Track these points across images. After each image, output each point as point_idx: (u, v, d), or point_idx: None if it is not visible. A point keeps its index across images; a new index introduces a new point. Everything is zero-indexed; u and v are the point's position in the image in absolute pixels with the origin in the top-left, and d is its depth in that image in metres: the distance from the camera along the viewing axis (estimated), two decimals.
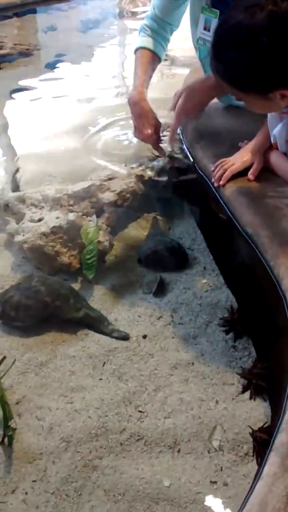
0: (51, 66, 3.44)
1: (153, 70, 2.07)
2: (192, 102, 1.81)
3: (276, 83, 1.27)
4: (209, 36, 1.75)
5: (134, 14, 4.78)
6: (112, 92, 3.08)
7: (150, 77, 2.05)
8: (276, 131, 1.56)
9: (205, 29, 1.79)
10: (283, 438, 0.97)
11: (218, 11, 1.73)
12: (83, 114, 2.81)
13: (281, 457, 0.94)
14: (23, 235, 1.75)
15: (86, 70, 3.44)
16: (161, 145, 2.06)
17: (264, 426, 1.21)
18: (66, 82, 3.23)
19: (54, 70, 3.40)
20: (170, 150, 2.10)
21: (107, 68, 3.49)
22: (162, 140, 2.05)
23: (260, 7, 1.18)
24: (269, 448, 0.97)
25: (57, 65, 3.47)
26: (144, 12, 4.70)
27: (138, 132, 2.02)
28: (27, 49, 3.70)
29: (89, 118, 2.73)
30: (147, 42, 2.01)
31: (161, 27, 2.01)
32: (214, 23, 1.73)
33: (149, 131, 1.97)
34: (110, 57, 3.74)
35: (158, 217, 2.00)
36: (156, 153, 2.10)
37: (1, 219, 1.92)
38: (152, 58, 2.03)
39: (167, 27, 2.02)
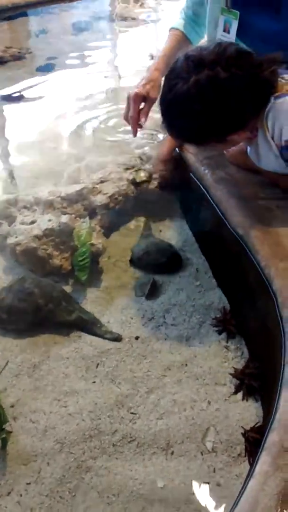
0: (42, 70, 3.43)
1: (181, 50, 1.92)
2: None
3: (227, 132, 1.41)
4: (229, 38, 1.74)
5: (125, 18, 4.78)
6: (104, 92, 3.08)
7: (174, 57, 1.82)
8: (249, 153, 1.61)
9: (224, 30, 1.75)
10: (274, 437, 0.98)
11: (238, 12, 1.70)
12: (75, 115, 2.81)
13: (272, 456, 0.95)
14: (16, 237, 1.75)
15: (78, 72, 3.44)
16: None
17: (256, 426, 1.22)
18: (58, 85, 3.23)
19: (46, 73, 3.39)
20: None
21: (99, 69, 3.48)
22: (143, 119, 1.84)
23: (186, 79, 1.32)
24: (261, 447, 0.97)
25: (49, 69, 3.47)
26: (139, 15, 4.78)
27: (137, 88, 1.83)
28: (19, 53, 3.69)
29: (82, 120, 2.74)
30: (180, 24, 1.98)
31: (195, 15, 1.96)
32: (234, 25, 1.71)
33: (138, 91, 1.79)
34: (102, 60, 3.74)
35: (150, 219, 2.00)
36: None
37: None
38: (181, 40, 1.97)
39: (201, 16, 1.94)
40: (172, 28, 1.99)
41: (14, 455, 1.26)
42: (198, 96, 1.32)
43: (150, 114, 1.85)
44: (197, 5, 1.94)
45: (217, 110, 1.33)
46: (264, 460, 0.93)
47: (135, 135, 1.88)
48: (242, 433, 1.24)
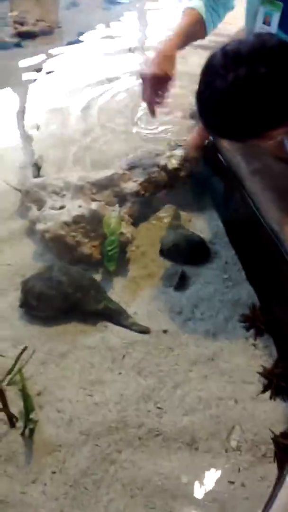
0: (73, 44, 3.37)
1: (195, 33, 1.83)
2: None
3: (265, 129, 1.33)
4: (269, 31, 1.62)
5: None
6: (132, 70, 3.00)
7: (189, 37, 1.80)
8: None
9: (264, 23, 1.63)
10: None
11: (282, 4, 1.57)
12: (104, 95, 2.75)
13: None
14: (45, 223, 1.73)
15: (107, 48, 3.36)
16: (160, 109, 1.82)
17: (286, 431, 1.20)
18: (86, 62, 3.16)
19: (76, 47, 3.33)
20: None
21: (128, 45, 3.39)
22: (163, 99, 1.77)
23: (224, 76, 1.25)
24: None
25: (79, 43, 3.40)
26: None
27: (145, 68, 1.73)
28: (49, 26, 3.61)
29: (110, 99, 2.69)
30: (199, 6, 1.81)
31: (214, 1, 1.83)
32: (276, 17, 1.60)
33: (155, 70, 1.69)
34: (132, 34, 3.65)
35: (180, 208, 1.97)
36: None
37: (22, 205, 1.91)
38: (198, 21, 1.81)
39: (219, 3, 1.84)
40: (190, 8, 1.83)
41: (39, 444, 1.27)
42: (237, 95, 1.25)
43: None
44: None
45: (257, 109, 1.27)
46: None
47: (153, 115, 1.81)
48: (271, 437, 1.22)
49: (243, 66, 1.24)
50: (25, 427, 1.27)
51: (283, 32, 1.61)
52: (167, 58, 1.70)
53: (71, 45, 3.41)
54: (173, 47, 1.72)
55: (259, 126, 1.33)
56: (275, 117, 1.31)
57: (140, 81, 1.74)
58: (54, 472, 1.23)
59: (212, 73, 1.30)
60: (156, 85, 1.70)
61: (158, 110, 1.79)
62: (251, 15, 1.70)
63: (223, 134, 1.44)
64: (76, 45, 3.43)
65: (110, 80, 2.86)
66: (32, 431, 1.27)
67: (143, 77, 1.71)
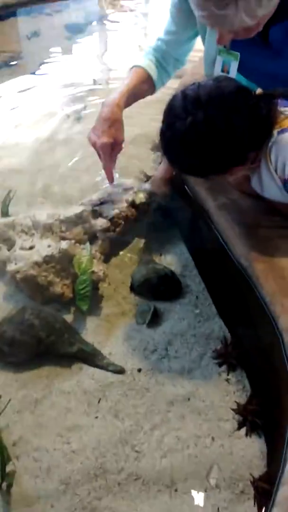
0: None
1: (142, 92, 1.88)
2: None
3: (225, 168, 1.43)
4: None
5: (114, 19, 4.74)
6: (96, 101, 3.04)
7: (135, 96, 1.84)
8: (252, 183, 1.61)
9: (223, 71, 1.67)
10: (285, 491, 0.98)
11: (238, 54, 1.62)
12: (69, 129, 2.77)
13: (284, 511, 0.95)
14: (15, 264, 1.72)
15: (72, 79, 3.38)
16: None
17: (264, 474, 1.22)
18: (51, 93, 3.18)
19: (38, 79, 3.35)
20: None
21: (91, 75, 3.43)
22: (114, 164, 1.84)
23: (183, 119, 1.34)
24: (272, 501, 0.98)
25: (41, 74, 3.42)
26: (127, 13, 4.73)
27: (94, 133, 1.75)
28: (11, 57, 3.62)
29: (75, 133, 2.70)
30: (147, 65, 1.86)
31: (164, 59, 1.89)
32: (234, 65, 1.65)
33: (106, 139, 1.72)
34: (95, 64, 3.70)
35: (150, 242, 1.99)
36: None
37: None
38: (145, 80, 1.86)
39: (170, 61, 1.90)
40: (137, 66, 1.87)
41: (17, 497, 1.25)
42: (195, 137, 1.34)
43: None
44: (172, 45, 1.86)
45: (215, 150, 1.36)
46: None
47: (112, 182, 1.91)
48: (250, 480, 1.24)
49: (201, 110, 1.33)
50: (2, 481, 1.25)
51: (243, 75, 1.66)
52: (114, 123, 1.74)
53: (34, 75, 3.43)
54: (119, 111, 1.76)
55: (217, 165, 1.42)
56: (232, 157, 1.40)
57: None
58: None
59: (172, 115, 1.39)
60: (109, 152, 1.76)
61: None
62: (209, 64, 1.76)
63: (185, 172, 1.53)
64: (39, 76, 3.45)
65: (76, 112, 2.88)
66: (10, 485, 1.25)
67: (95, 146, 1.76)
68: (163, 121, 1.44)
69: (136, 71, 1.86)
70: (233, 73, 1.64)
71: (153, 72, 1.87)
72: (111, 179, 1.89)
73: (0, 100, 3.09)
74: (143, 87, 1.87)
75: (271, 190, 1.54)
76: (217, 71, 1.68)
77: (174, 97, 1.42)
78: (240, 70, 1.64)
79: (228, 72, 1.66)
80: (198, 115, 1.33)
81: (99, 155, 1.80)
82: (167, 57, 1.88)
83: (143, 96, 1.91)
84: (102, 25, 4.65)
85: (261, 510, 1.15)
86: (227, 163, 1.42)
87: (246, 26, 1.33)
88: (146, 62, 1.87)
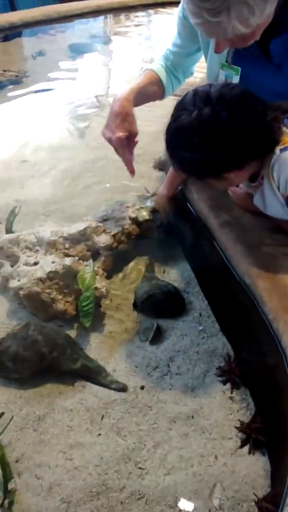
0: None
1: (151, 93, 1.90)
2: None
3: (223, 169, 1.43)
4: None
5: (119, 34, 4.82)
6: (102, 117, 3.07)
7: (144, 96, 1.86)
8: (255, 201, 1.63)
9: None
10: None
11: (239, 68, 1.67)
12: (73, 146, 2.81)
13: None
14: (18, 280, 1.73)
15: (75, 97, 3.43)
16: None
17: (269, 494, 1.21)
18: (55, 111, 3.23)
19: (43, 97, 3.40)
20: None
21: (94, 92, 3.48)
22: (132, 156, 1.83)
23: (190, 112, 1.36)
24: None
25: (45, 93, 3.48)
26: (131, 35, 4.81)
27: (108, 129, 1.77)
28: (17, 76, 3.69)
29: (80, 151, 2.74)
30: (158, 69, 1.92)
31: (174, 67, 1.94)
32: (235, 79, 1.70)
33: (120, 134, 1.73)
34: (98, 81, 3.76)
35: (152, 259, 2.00)
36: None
37: None
38: (155, 82, 1.91)
39: (179, 69, 1.96)
40: (149, 69, 1.93)
41: None
42: (199, 130, 1.36)
43: None
44: (179, 57, 1.92)
45: (215, 146, 1.37)
46: None
47: (133, 173, 1.87)
48: (254, 501, 1.22)
49: (209, 106, 1.35)
50: (4, 498, 1.24)
51: None
52: (126, 117, 1.76)
53: (40, 93, 3.49)
54: (129, 105, 1.77)
55: (215, 164, 1.42)
56: (230, 159, 1.41)
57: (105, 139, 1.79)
58: None
59: (181, 109, 1.41)
60: (125, 145, 1.76)
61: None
62: (212, 79, 1.80)
63: (183, 167, 1.51)
64: (45, 92, 3.50)
65: (79, 129, 2.92)
66: (11, 503, 1.24)
67: (110, 141, 1.77)
68: (171, 115, 1.45)
69: (147, 73, 1.92)
70: None
71: (163, 77, 1.92)
72: (132, 171, 1.85)
73: (6, 117, 3.13)
74: (153, 88, 1.91)
75: (274, 207, 1.56)
76: None
77: (186, 94, 1.45)
78: (242, 84, 1.67)
79: None
80: (205, 110, 1.35)
81: (116, 150, 1.80)
82: (176, 65, 1.94)
83: (152, 97, 1.94)
84: (106, 46, 4.74)
85: None
86: (224, 164, 1.42)
87: (241, 34, 1.36)
88: (158, 66, 1.93)
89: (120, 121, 1.74)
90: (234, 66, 1.68)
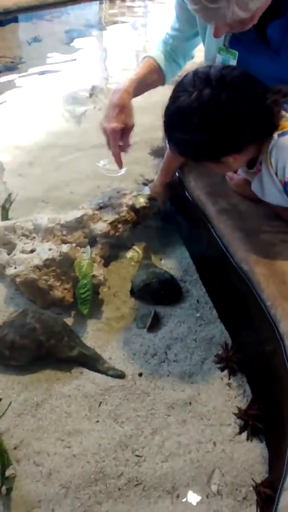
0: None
1: (152, 81, 1.89)
2: None
3: (222, 152, 1.41)
4: None
5: (114, 23, 4.77)
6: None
7: (145, 85, 1.86)
8: (253, 187, 1.62)
9: None
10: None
11: (236, 52, 1.65)
12: (70, 133, 2.78)
13: None
14: (15, 268, 1.72)
15: (72, 83, 3.40)
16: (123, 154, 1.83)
17: (267, 479, 1.21)
18: (51, 97, 3.19)
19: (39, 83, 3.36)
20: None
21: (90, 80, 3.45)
22: (127, 148, 1.82)
23: (190, 93, 1.34)
24: (275, 507, 0.97)
25: (41, 79, 3.44)
26: (127, 21, 4.76)
27: (105, 120, 1.76)
28: (12, 62, 3.64)
29: (76, 138, 2.71)
30: (157, 56, 1.90)
31: (174, 52, 1.92)
32: (232, 64, 1.67)
33: (115, 124, 1.73)
34: (94, 68, 3.72)
35: (150, 246, 1.99)
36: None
37: None
38: (155, 70, 1.89)
39: (179, 53, 1.94)
40: (148, 57, 1.91)
41: (18, 502, 1.24)
42: (198, 111, 1.34)
43: None
44: (179, 40, 1.90)
45: (214, 128, 1.35)
46: None
47: (121, 167, 1.87)
48: (253, 486, 1.23)
49: (209, 87, 1.33)
50: (2, 484, 1.24)
51: None
52: (123, 109, 1.75)
53: (34, 80, 3.45)
54: (128, 97, 1.77)
55: (213, 147, 1.40)
56: (229, 141, 1.39)
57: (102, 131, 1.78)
58: None
59: (180, 90, 1.39)
60: (118, 137, 1.75)
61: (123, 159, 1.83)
62: (208, 60, 1.78)
63: (180, 149, 1.50)
64: (39, 80, 3.46)
65: (76, 116, 2.89)
66: (10, 489, 1.24)
67: (105, 131, 1.75)
68: (170, 97, 1.43)
69: (146, 61, 1.90)
70: None
71: (163, 63, 1.90)
72: (120, 163, 1.85)
73: (1, 104, 3.10)
74: (152, 76, 1.90)
75: (272, 194, 1.55)
76: None
77: (186, 75, 1.42)
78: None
79: None
80: (205, 91, 1.33)
81: (107, 141, 1.78)
82: (176, 50, 1.92)
83: (152, 85, 1.93)
84: (102, 32, 4.69)
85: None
86: (223, 146, 1.40)
87: (240, 19, 1.34)
88: (157, 53, 1.90)
89: (117, 113, 1.74)
90: (232, 50, 1.66)
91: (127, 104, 1.76)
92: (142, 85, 1.83)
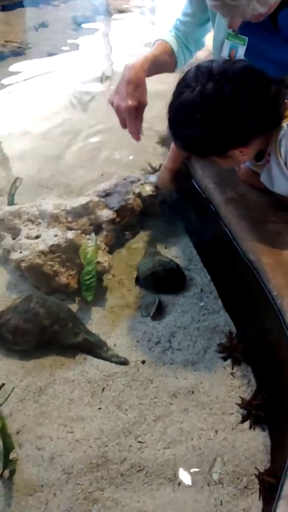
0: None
1: (164, 63, 1.84)
2: None
3: (228, 146, 1.41)
4: None
5: (121, 11, 4.71)
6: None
7: (157, 65, 1.79)
8: (262, 178, 1.61)
9: (230, 56, 1.67)
10: None
11: (246, 38, 1.63)
12: (77, 120, 2.76)
13: None
14: (20, 252, 1.71)
15: (79, 70, 3.37)
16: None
17: (270, 468, 1.21)
18: (58, 83, 3.17)
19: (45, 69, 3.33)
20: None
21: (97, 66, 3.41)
22: (140, 127, 1.76)
23: (193, 88, 1.34)
24: (277, 495, 0.97)
25: (48, 65, 3.40)
26: (135, 7, 4.70)
27: (117, 97, 1.69)
28: (19, 47, 3.60)
29: (83, 124, 2.69)
30: (170, 39, 1.85)
31: (185, 38, 1.88)
32: (241, 50, 1.65)
33: (130, 102, 1.66)
34: (101, 55, 3.68)
35: (155, 234, 1.98)
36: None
37: None
38: (169, 52, 1.84)
39: (191, 40, 1.90)
40: (161, 40, 1.86)
41: (20, 485, 1.25)
42: (201, 106, 1.34)
43: None
44: (190, 26, 1.87)
45: (218, 122, 1.34)
46: (282, 510, 0.93)
47: (138, 140, 1.80)
48: (256, 475, 1.23)
49: (212, 81, 1.33)
50: (4, 468, 1.24)
51: (250, 61, 1.65)
52: (139, 86, 1.70)
53: (40, 65, 3.41)
54: (143, 73, 1.72)
55: (219, 141, 1.39)
56: (234, 135, 1.38)
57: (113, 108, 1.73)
58: None
59: (184, 85, 1.39)
60: (133, 114, 1.71)
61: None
62: (217, 47, 1.76)
63: (186, 145, 1.49)
64: (45, 66, 3.43)
65: (83, 102, 2.87)
66: (12, 472, 1.24)
67: (119, 109, 1.70)
68: (173, 93, 1.42)
69: (159, 44, 1.85)
70: (240, 58, 1.64)
71: (176, 48, 1.86)
72: (138, 138, 1.79)
73: (7, 89, 3.08)
74: (165, 58, 1.85)
75: (281, 184, 1.53)
76: (224, 55, 1.69)
77: (188, 70, 1.42)
78: (247, 55, 1.64)
79: (235, 57, 1.65)
80: (208, 85, 1.33)
81: (120, 118, 1.73)
82: (188, 36, 1.88)
83: (165, 68, 1.88)
84: (109, 17, 4.63)
85: (267, 504, 1.15)
86: (228, 140, 1.39)
87: (258, 14, 1.34)
88: (169, 37, 1.87)
89: (132, 89, 1.68)
90: (241, 36, 1.63)
91: (141, 80, 1.70)
92: (155, 65, 1.78)
